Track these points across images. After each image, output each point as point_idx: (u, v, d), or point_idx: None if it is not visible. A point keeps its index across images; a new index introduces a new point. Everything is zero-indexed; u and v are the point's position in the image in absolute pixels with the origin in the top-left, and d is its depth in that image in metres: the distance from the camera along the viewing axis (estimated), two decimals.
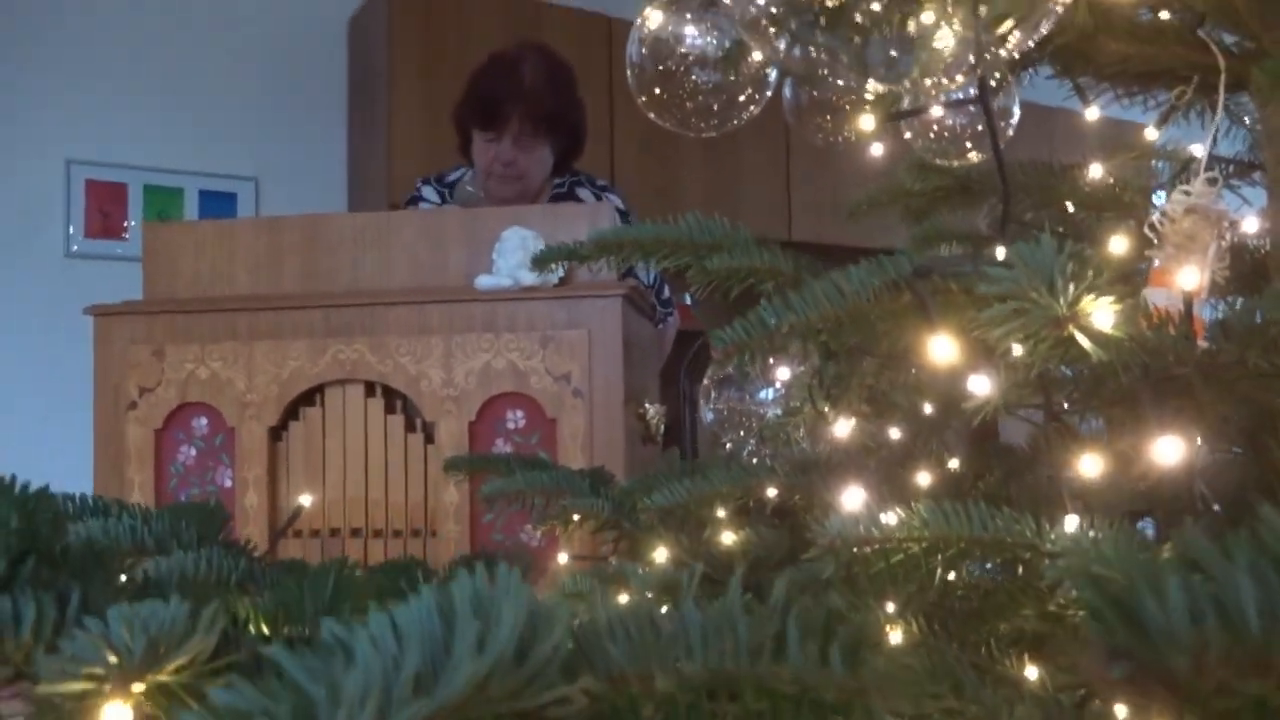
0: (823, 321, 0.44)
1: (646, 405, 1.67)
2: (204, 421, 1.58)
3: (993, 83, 0.59)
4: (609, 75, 3.35)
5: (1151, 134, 0.85)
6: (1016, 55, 0.44)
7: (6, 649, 0.24)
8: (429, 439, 1.53)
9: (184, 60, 3.18)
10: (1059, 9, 0.44)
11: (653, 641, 0.21)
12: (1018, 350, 0.41)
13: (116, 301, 1.66)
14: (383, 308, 1.54)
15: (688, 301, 3.63)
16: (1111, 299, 0.38)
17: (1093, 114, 0.87)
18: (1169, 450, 0.43)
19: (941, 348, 0.39)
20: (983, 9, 0.46)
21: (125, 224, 3.08)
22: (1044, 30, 0.44)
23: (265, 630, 0.42)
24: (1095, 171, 0.94)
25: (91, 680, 0.24)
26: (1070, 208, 0.93)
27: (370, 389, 1.55)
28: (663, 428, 1.72)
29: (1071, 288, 0.38)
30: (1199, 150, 0.87)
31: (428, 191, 2.28)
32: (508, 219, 1.60)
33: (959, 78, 0.43)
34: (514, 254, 1.53)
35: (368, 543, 1.54)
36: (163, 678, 0.25)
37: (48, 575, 0.28)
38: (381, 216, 1.72)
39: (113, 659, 0.24)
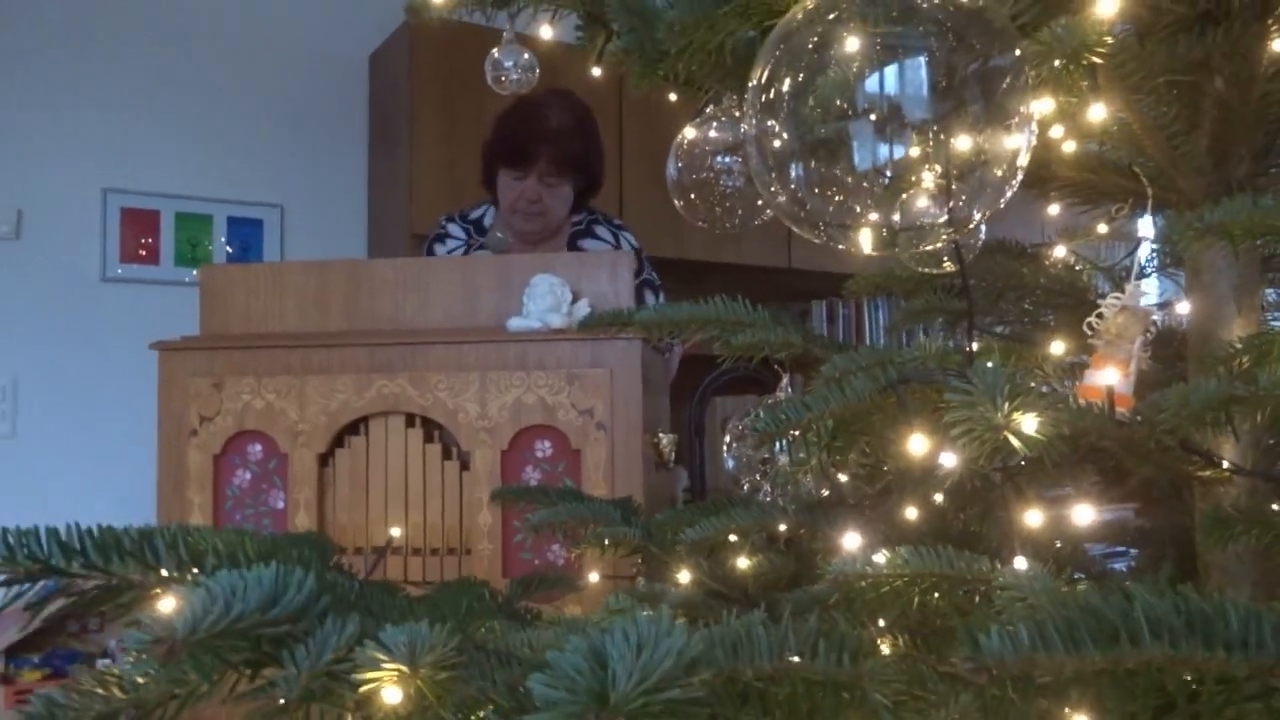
0: (831, 415, 0.60)
1: (660, 435, 1.83)
2: (258, 448, 1.73)
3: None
4: (619, 114, 3.51)
5: (1102, 229, 1.01)
6: (987, 214, 0.60)
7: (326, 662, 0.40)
8: (464, 466, 1.69)
9: (214, 95, 3.35)
10: (1013, 186, 0.59)
11: (740, 648, 0.36)
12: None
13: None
14: (424, 347, 1.70)
15: None
16: (1035, 413, 0.54)
17: (1054, 209, 1.04)
18: (1084, 513, 0.59)
19: (916, 443, 0.55)
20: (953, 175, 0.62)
21: (157, 248, 3.24)
22: (1005, 198, 0.59)
23: None
24: (1059, 251, 1.10)
25: (392, 672, 0.39)
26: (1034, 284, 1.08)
27: (411, 420, 1.70)
28: (674, 455, 1.88)
29: (1007, 405, 0.54)
30: (1147, 228, 1.03)
31: (453, 228, 2.45)
32: (536, 266, 1.76)
33: (937, 236, 0.59)
34: (543, 299, 1.69)
35: (407, 560, 1.70)
36: (422, 673, 0.41)
37: (337, 608, 0.43)
38: (421, 262, 1.88)
39: (399, 662, 0.39)
